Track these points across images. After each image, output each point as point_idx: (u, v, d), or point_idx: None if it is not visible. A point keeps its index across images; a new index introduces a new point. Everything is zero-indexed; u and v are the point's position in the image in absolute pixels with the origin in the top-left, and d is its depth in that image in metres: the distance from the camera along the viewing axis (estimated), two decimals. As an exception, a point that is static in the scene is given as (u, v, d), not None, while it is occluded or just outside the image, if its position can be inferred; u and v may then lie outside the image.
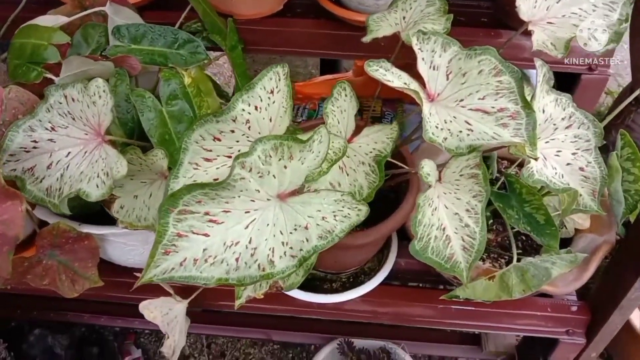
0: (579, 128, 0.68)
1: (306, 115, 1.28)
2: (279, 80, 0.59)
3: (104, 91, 0.63)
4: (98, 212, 0.78)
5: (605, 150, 0.74)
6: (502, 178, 0.83)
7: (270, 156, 0.52)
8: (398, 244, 0.95)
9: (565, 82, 0.93)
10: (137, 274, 0.85)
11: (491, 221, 0.92)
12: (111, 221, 0.75)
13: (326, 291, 0.90)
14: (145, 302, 0.78)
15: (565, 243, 0.88)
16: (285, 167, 0.53)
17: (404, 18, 0.76)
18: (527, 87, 0.76)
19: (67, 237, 0.76)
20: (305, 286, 0.88)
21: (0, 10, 0.97)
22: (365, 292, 0.89)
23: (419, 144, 1.03)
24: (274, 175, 0.53)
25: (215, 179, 0.60)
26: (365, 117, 1.27)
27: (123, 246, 0.83)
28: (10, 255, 0.66)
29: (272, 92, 0.59)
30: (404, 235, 0.95)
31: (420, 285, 0.99)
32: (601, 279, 0.95)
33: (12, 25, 0.89)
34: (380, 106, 1.27)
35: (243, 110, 0.58)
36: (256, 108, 0.58)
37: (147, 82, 0.83)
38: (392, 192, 0.84)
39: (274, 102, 0.59)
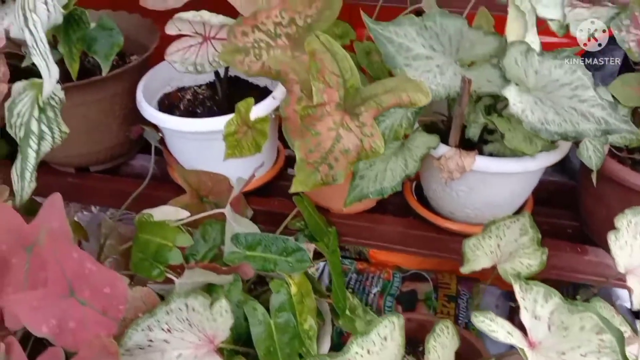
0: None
1: (380, 285, 1.31)
2: (394, 329, 0.63)
3: (226, 311, 0.69)
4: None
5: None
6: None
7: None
8: None
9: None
10: None
11: None
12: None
13: None
14: None
15: None
16: None
17: (498, 246, 0.80)
18: (616, 316, 0.78)
19: None
20: None
21: (123, 184, 1.09)
22: None
23: None
24: None
25: (322, 412, 0.63)
26: (441, 294, 1.30)
27: None
28: None
29: (385, 339, 0.63)
30: None
31: None
32: None
33: (135, 201, 0.99)
34: (456, 284, 1.29)
35: (357, 352, 0.62)
36: (369, 352, 0.62)
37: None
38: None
39: (386, 348, 0.63)
